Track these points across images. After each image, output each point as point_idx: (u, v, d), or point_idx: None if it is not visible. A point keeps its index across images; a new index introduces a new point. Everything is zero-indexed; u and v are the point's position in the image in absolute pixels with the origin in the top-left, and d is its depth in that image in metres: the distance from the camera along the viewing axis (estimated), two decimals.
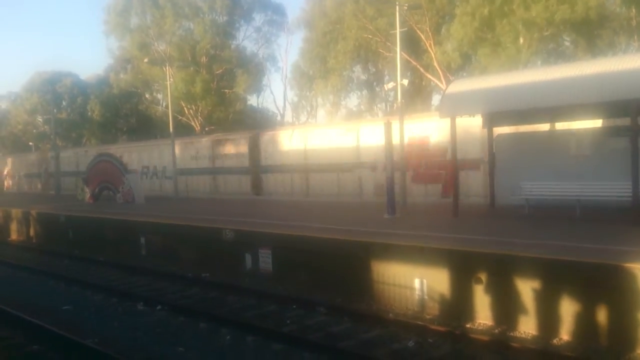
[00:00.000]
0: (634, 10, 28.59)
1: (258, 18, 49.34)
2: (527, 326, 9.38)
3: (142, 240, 18.26)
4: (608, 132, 15.78)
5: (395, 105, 33.81)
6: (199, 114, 45.51)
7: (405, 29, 25.54)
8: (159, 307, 11.89)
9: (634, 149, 12.66)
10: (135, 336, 10.04)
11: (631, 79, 12.48)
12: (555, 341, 8.94)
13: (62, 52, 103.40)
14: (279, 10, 50.59)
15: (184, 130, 43.78)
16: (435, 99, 41.97)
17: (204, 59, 44.25)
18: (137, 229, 18.54)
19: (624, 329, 8.37)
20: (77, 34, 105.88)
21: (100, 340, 9.61)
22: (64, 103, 57.41)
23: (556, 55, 30.57)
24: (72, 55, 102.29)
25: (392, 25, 21.70)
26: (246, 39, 49.42)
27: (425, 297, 10.80)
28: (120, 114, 56.00)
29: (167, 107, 38.53)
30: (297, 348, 8.97)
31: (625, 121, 14.02)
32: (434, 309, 10.67)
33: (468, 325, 9.93)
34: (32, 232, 24.56)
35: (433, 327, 9.75)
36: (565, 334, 8.96)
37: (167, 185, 33.33)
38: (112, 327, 10.72)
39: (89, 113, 55.29)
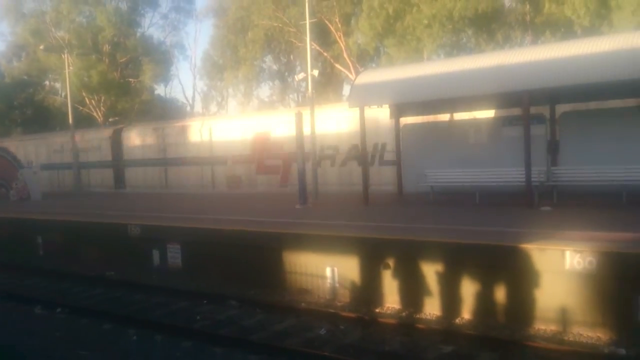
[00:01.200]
0: (527, 6, 30.52)
1: (164, 5, 47.94)
2: (432, 308, 9.79)
3: (39, 239, 17.13)
4: (503, 122, 16.76)
5: (306, 95, 34.05)
6: (102, 104, 43.28)
7: (315, 19, 25.69)
8: (59, 309, 11.21)
9: (526, 138, 13.54)
10: (34, 342, 9.40)
11: (522, 72, 13.31)
12: (457, 320, 9.40)
13: None
14: None
15: (85, 121, 41.49)
16: (346, 89, 42.68)
17: (106, 47, 42.07)
18: (33, 228, 17.36)
19: (518, 307, 8.94)
20: None
21: None
22: None
23: (459, 47, 32.03)
24: None
25: (303, 16, 21.67)
26: (152, 26, 47.75)
27: (337, 285, 10.97)
28: (14, 104, 51.94)
29: (66, 97, 36.32)
30: (208, 344, 8.81)
31: (519, 111, 14.97)
32: (345, 297, 10.87)
33: (377, 310, 10.21)
34: None
35: (344, 314, 9.94)
36: (466, 313, 9.44)
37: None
38: (8, 334, 9.97)
39: None
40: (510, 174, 14.70)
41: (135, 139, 30.22)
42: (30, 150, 34.76)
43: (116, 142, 30.60)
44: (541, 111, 15.95)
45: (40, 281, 14.13)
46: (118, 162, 30.61)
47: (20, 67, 47.51)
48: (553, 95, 14.81)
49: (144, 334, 9.44)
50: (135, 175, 30.04)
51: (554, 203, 13.90)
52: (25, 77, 47.91)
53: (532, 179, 13.71)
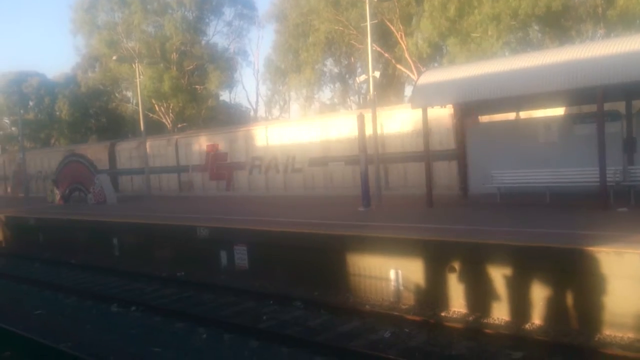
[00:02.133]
0: None
1: (228, 12, 48.92)
2: (500, 312, 9.53)
3: (115, 241, 17.99)
4: (575, 119, 16.07)
5: (368, 97, 33.96)
6: (170, 111, 44.95)
7: (376, 20, 25.59)
8: (133, 308, 11.74)
9: (600, 135, 12.92)
10: (110, 338, 9.90)
11: (596, 66, 12.72)
12: (527, 326, 9.10)
13: (27, 52, 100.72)
14: (249, 4, 50.24)
15: (155, 127, 43.17)
16: (408, 90, 42.29)
17: (174, 56, 43.66)
18: (109, 230, 18.26)
19: (593, 312, 8.56)
20: (42, 32, 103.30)
21: (74, 344, 9.45)
22: (31, 103, 55.94)
23: (525, 44, 30.98)
24: (37, 54, 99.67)
25: (364, 17, 21.64)
26: (217, 34, 49.00)
27: (401, 287, 10.88)
28: (89, 113, 54.88)
29: (137, 105, 37.97)
30: (275, 344, 8.97)
31: (591, 108, 14.31)
32: (409, 299, 10.76)
33: (443, 314, 10.05)
34: (1, 236, 24.00)
35: (409, 317, 9.84)
36: (537, 318, 9.13)
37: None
38: (86, 330, 10.56)
39: (57, 113, 53.99)
40: (584, 174, 14.08)
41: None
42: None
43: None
44: (616, 107, 15.17)
45: (116, 280, 14.84)
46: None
47: (94, 77, 50.07)
48: (630, 90, 14.05)
49: (213, 333, 9.73)
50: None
51: (632, 204, 13.19)
52: (100, 87, 50.46)
53: (607, 179, 13.07)
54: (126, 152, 35.07)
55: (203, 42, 46.56)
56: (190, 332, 9.96)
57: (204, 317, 10.69)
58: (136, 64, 32.67)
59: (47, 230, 21.23)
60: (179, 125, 44.96)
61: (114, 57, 37.37)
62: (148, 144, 31.61)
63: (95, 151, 36.29)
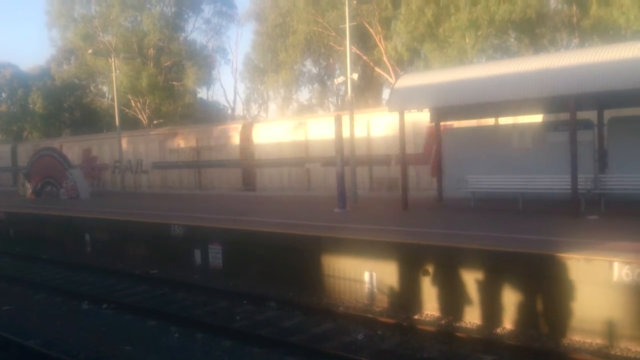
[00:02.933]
0: (574, 7, 29.69)
1: (207, 9, 48.62)
2: (472, 316, 9.65)
3: (87, 237, 17.71)
4: (548, 127, 16.37)
5: (346, 99, 34.03)
6: (147, 107, 44.39)
7: (355, 23, 25.67)
8: (104, 305, 11.58)
9: (572, 144, 13.18)
10: (81, 336, 9.75)
11: (569, 75, 12.97)
12: (498, 330, 9.24)
13: (0, 43, 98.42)
14: (228, 2, 50.12)
15: (130, 124, 42.57)
16: (386, 93, 42.49)
17: (151, 51, 43.13)
18: (82, 226, 17.96)
19: (563, 318, 8.73)
20: (17, 23, 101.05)
21: (43, 341, 9.30)
22: (3, 95, 54.77)
23: (501, 51, 31.45)
24: (11, 45, 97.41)
25: (343, 19, 21.76)
26: (195, 31, 48.59)
27: (375, 290, 10.95)
28: (63, 106, 53.79)
29: (113, 99, 37.39)
30: (248, 344, 8.94)
31: (565, 116, 14.58)
32: (383, 302, 10.83)
33: (416, 317, 10.14)
34: None
35: (382, 319, 9.90)
36: (508, 323, 9.28)
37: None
38: (56, 327, 10.37)
39: (31, 105, 52.81)
40: (556, 181, 14.33)
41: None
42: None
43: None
44: (588, 117, 15.51)
45: (87, 277, 14.62)
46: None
47: (69, 70, 49.14)
48: (602, 100, 14.38)
49: (186, 332, 9.66)
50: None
51: (602, 212, 13.48)
52: (75, 81, 49.52)
53: (579, 187, 13.34)
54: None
55: (181, 39, 46.11)
56: (162, 330, 9.86)
57: (177, 315, 10.61)
58: (112, 59, 32.19)
59: (17, 225, 20.78)
60: (155, 122, 44.40)
61: (90, 51, 36.81)
62: None
63: None
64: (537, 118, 17.46)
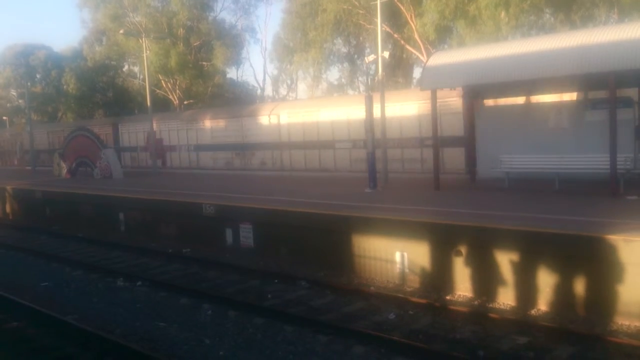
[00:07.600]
0: None
1: None
2: (506, 297, 9.52)
3: (121, 216, 18.04)
4: (586, 105, 15.87)
5: (376, 78, 33.65)
6: (177, 87, 44.71)
7: (386, 0, 25.20)
8: (139, 283, 11.81)
9: (612, 122, 12.76)
10: (116, 312, 9.97)
11: (609, 51, 12.50)
12: (533, 312, 9.10)
13: (34, 25, 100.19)
14: None
15: (162, 104, 42.97)
16: (417, 72, 41.89)
17: (180, 31, 43.25)
18: (116, 205, 18.30)
19: (600, 300, 8.54)
20: (49, 4, 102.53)
21: (80, 317, 9.54)
22: (37, 76, 55.81)
23: (537, 27, 30.49)
24: (44, 27, 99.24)
25: None
26: (224, 10, 48.49)
27: (406, 270, 10.88)
28: (96, 87, 54.65)
29: (144, 80, 37.71)
30: (279, 322, 9.00)
31: (603, 94, 14.11)
32: (414, 282, 10.77)
33: (448, 297, 10.05)
34: (8, 209, 24.13)
35: (413, 299, 9.84)
36: (543, 304, 9.12)
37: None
38: (92, 303, 10.64)
39: (64, 86, 53.80)
40: (594, 161, 13.93)
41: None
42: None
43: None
44: (629, 94, 14.97)
45: (122, 255, 14.91)
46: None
47: (101, 51, 49.67)
48: None
49: (218, 309, 9.77)
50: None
51: None
52: (106, 61, 50.12)
53: (618, 167, 12.93)
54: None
55: (210, 18, 46.03)
56: (195, 308, 10.01)
57: (209, 293, 10.74)
58: (143, 39, 32.40)
59: (53, 204, 21.31)
60: (186, 102, 44.72)
61: (121, 32, 37.07)
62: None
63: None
64: (573, 96, 16.92)
